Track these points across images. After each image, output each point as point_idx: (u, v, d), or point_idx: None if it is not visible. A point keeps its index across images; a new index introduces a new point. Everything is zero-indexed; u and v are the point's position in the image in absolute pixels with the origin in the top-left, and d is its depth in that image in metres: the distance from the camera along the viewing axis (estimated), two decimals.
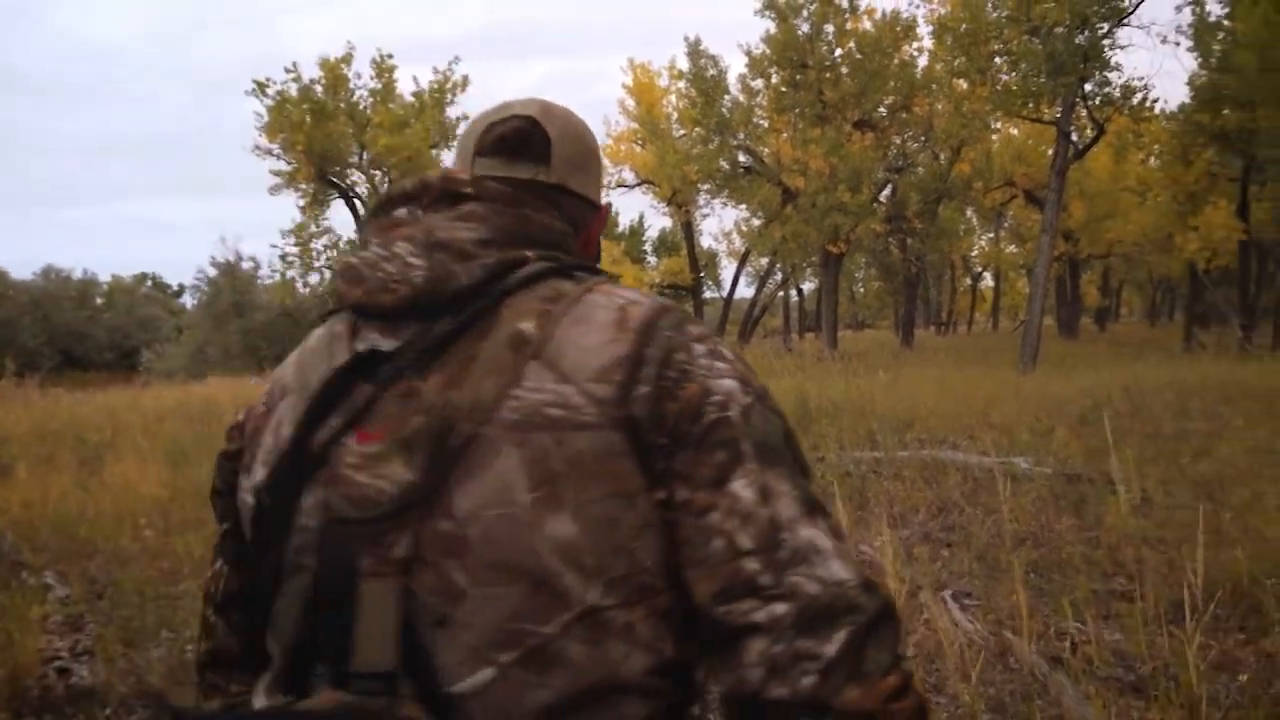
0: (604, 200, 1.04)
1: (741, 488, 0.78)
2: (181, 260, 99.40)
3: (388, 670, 0.75)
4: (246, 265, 33.43)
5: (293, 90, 29.54)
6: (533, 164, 0.96)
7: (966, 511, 5.47)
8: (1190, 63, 28.83)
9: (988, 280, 51.45)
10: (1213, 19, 22.88)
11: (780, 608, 0.74)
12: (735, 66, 69.38)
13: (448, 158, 32.81)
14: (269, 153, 29.83)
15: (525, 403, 0.78)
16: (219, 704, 0.96)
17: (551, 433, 0.77)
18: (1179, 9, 25.14)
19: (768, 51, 25.61)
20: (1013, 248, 41.01)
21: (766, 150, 26.22)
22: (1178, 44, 30.67)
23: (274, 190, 30.56)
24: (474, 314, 0.82)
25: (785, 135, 25.17)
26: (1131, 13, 17.85)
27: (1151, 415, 8.24)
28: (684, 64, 27.18)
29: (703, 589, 0.77)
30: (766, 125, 26.23)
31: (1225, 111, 21.90)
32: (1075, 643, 3.49)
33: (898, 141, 27.12)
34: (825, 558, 0.77)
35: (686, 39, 26.72)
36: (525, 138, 0.96)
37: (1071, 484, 6.02)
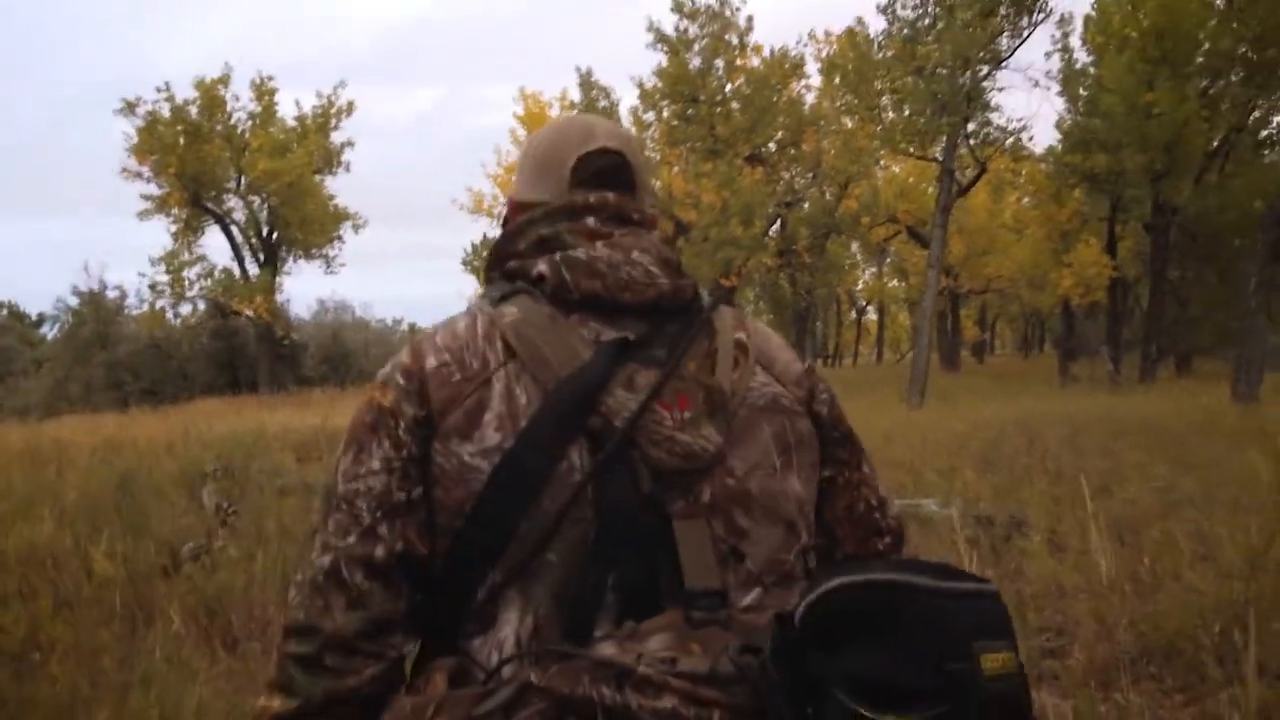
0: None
1: (866, 469, 1.15)
2: (41, 288, 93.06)
3: (719, 589, 0.94)
4: (112, 294, 31.37)
5: (165, 111, 28.08)
6: (623, 192, 1.10)
7: None
8: (1060, 106, 30.26)
9: (871, 314, 52.84)
10: (1079, 65, 24.10)
11: (889, 539, 1.14)
12: (627, 99, 69.85)
13: (331, 183, 31.71)
14: (138, 175, 28.25)
15: (763, 393, 1.04)
16: (376, 671, 0.95)
17: (785, 417, 1.05)
18: (1048, 54, 26.36)
19: (659, 84, 25.73)
20: (895, 282, 42.20)
21: (658, 183, 26.20)
22: (1049, 88, 32.20)
23: (143, 215, 28.95)
24: (703, 321, 1.03)
25: (677, 169, 25.26)
26: (1009, 56, 18.55)
27: (1050, 451, 8.26)
28: (576, 95, 27.06)
29: (855, 535, 1.13)
30: (658, 158, 26.27)
31: (1094, 154, 22.96)
32: None
33: (787, 177, 27.55)
34: (892, 502, 1.17)
35: (578, 70, 26.63)
36: (619, 170, 1.11)
37: (982, 526, 5.86)
